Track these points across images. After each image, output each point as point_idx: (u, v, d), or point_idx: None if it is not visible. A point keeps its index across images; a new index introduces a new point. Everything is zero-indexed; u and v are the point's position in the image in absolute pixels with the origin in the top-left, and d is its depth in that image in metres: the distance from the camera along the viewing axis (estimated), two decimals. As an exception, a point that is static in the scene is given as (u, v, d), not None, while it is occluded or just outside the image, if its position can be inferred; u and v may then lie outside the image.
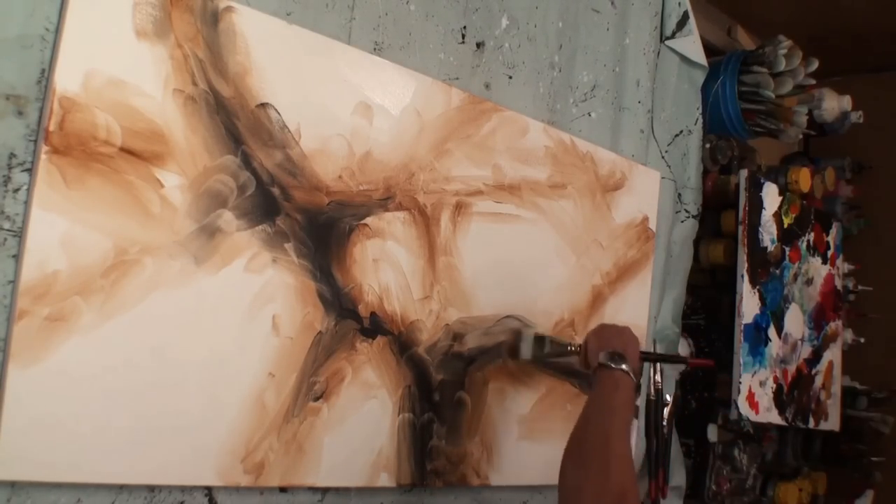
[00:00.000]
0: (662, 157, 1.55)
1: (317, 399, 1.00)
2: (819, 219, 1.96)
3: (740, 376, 1.65)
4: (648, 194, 1.49)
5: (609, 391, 0.98)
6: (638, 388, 1.14)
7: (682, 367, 1.63)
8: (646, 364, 1.49)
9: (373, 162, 1.06)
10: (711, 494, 1.70)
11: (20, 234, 0.79)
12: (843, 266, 2.08)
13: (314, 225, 1.01)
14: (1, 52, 0.78)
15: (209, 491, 0.93)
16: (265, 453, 0.95)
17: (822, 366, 1.96)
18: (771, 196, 1.78)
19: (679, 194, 1.59)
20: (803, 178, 1.88)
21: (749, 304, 1.69)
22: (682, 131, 1.60)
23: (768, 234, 1.77)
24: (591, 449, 0.88)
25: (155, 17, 0.87)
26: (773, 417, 1.75)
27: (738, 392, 1.64)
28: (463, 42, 1.21)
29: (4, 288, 0.78)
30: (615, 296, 1.41)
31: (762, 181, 1.76)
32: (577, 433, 0.93)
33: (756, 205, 1.73)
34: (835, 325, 2.01)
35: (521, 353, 1.22)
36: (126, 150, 0.84)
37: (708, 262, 1.75)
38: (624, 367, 1.00)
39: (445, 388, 1.15)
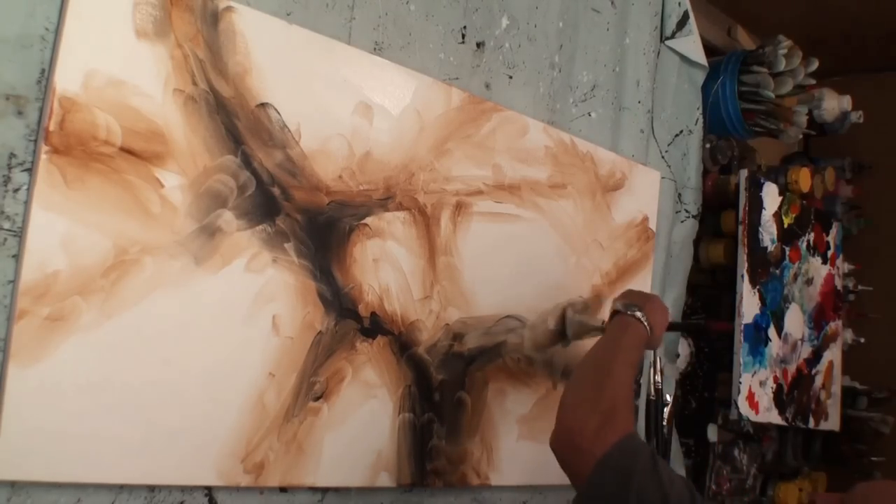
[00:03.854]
0: (662, 157, 1.55)
1: (317, 399, 1.00)
2: (819, 219, 1.96)
3: (740, 376, 1.65)
4: (648, 194, 1.49)
5: (617, 332, 1.02)
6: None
7: (684, 364, 1.63)
8: (646, 364, 1.49)
9: (373, 162, 1.06)
10: (711, 494, 1.70)
11: (20, 234, 0.79)
12: (843, 266, 2.08)
13: (314, 225, 1.01)
14: (1, 52, 0.78)
15: (209, 491, 0.93)
16: (265, 453, 0.95)
17: (822, 366, 1.95)
18: (771, 196, 1.78)
19: (679, 194, 1.59)
20: (803, 178, 1.88)
21: (749, 304, 1.69)
22: (682, 131, 1.60)
23: (768, 234, 1.76)
24: (589, 372, 0.92)
25: (155, 17, 0.87)
26: (773, 417, 1.75)
27: (738, 392, 1.64)
28: (463, 42, 1.21)
29: (4, 288, 0.78)
30: (615, 296, 1.40)
31: (762, 181, 1.76)
32: (580, 363, 0.97)
33: (756, 205, 1.73)
34: (835, 325, 2.01)
35: (567, 335, 1.27)
36: (126, 150, 0.84)
37: (708, 262, 1.75)
38: (637, 314, 1.03)
39: (445, 388, 1.15)
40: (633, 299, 1.09)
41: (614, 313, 1.06)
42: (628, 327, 1.02)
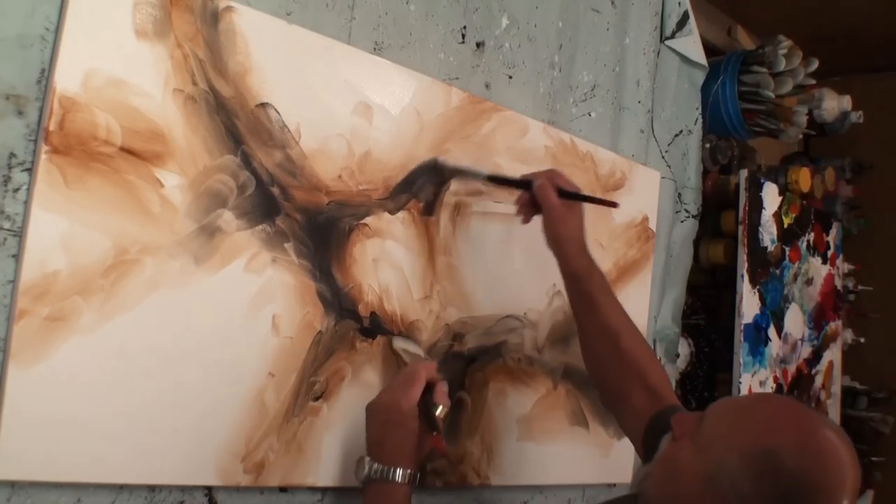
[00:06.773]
0: (662, 157, 1.55)
1: (317, 399, 1.00)
2: (819, 219, 1.96)
3: (740, 376, 1.65)
4: (648, 194, 1.49)
5: None
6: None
7: (684, 364, 1.63)
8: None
9: (373, 162, 1.06)
10: (711, 494, 1.70)
11: (20, 234, 0.78)
12: (843, 266, 2.08)
13: (314, 225, 1.01)
14: (1, 52, 0.78)
15: (209, 491, 0.93)
16: (265, 453, 0.95)
17: (822, 366, 1.96)
18: (771, 196, 1.78)
19: (679, 194, 1.59)
20: (803, 178, 1.88)
21: (749, 304, 1.69)
22: (682, 131, 1.60)
23: (768, 234, 1.77)
24: None
25: (155, 17, 0.87)
26: (774, 417, 1.75)
27: (738, 392, 1.64)
28: (463, 42, 1.21)
29: (4, 288, 0.78)
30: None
31: (762, 181, 1.76)
32: None
33: (756, 205, 1.73)
34: (835, 325, 2.01)
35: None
36: (126, 150, 0.84)
37: (708, 262, 1.75)
38: (394, 477, 0.89)
39: (445, 388, 1.15)
40: (379, 439, 0.91)
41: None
42: None
